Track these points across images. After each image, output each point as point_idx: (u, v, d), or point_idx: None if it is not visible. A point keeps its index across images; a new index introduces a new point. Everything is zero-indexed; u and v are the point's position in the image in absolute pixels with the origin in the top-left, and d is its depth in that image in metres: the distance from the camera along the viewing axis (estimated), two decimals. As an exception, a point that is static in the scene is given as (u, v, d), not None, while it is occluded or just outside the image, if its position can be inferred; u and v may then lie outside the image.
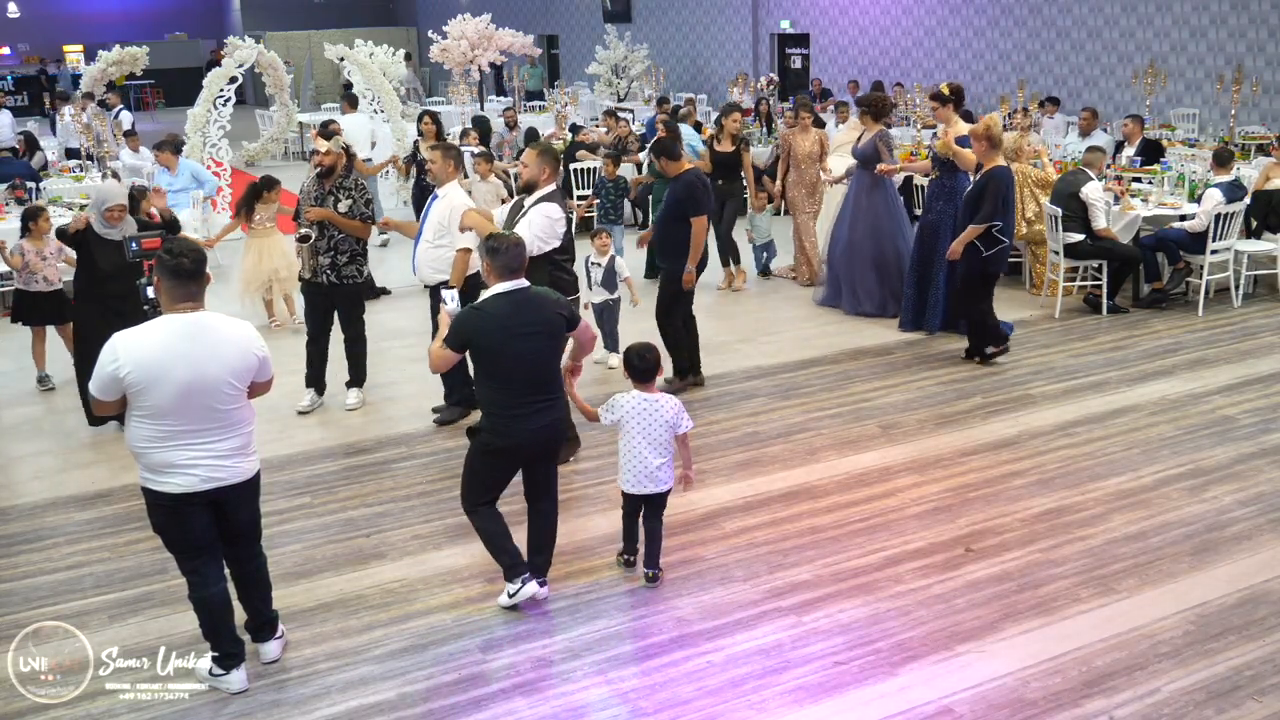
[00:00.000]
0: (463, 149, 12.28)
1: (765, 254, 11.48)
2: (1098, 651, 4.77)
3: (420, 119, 11.43)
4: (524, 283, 5.02)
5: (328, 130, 8.80)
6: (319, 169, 7.54)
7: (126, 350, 4.22)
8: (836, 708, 4.47)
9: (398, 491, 6.58)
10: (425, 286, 7.74)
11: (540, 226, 6.45)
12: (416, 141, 11.33)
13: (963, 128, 8.89)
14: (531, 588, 5.16)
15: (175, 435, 4.28)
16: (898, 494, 6.37)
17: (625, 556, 5.58)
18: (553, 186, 6.65)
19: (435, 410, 7.64)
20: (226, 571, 4.66)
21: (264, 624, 4.81)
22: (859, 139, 9.93)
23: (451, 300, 5.28)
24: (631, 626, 5.05)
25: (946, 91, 9.31)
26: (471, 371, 5.20)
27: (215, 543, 4.54)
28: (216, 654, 4.64)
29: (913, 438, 7.18)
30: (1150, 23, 16.85)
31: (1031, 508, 6.14)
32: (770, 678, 4.65)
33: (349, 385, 7.94)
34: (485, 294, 5.07)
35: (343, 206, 7.45)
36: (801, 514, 6.14)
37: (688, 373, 8.16)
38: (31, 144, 15.33)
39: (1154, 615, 5.04)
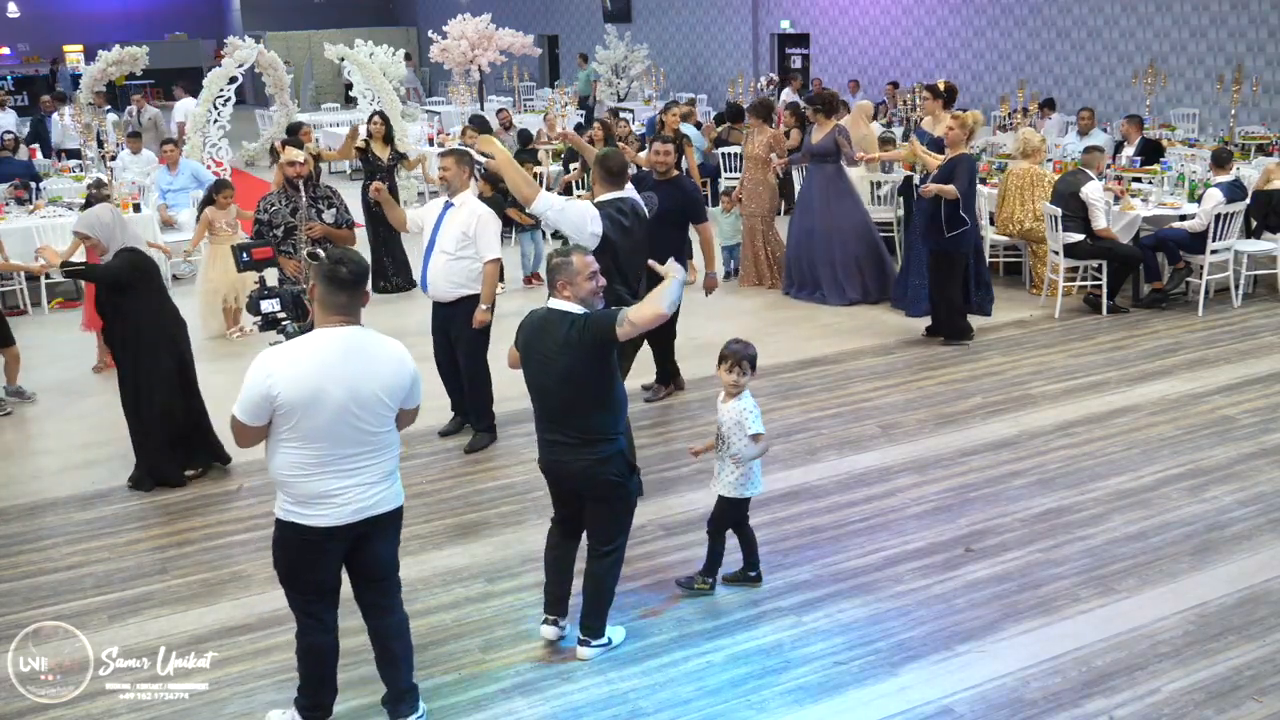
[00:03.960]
0: (462, 148, 12.29)
1: (728, 256, 11.25)
2: (1098, 651, 4.77)
3: (370, 119, 11.30)
4: (564, 305, 4.61)
5: (297, 139, 8.63)
6: (299, 180, 7.38)
7: (280, 368, 3.92)
8: (836, 708, 4.47)
9: (398, 491, 6.57)
10: (437, 303, 7.13)
11: (572, 212, 6.09)
12: (367, 141, 11.14)
13: (944, 125, 9.42)
14: (551, 631, 4.90)
15: (328, 461, 3.98)
16: (898, 494, 6.37)
17: (711, 580, 5.38)
18: (612, 196, 6.30)
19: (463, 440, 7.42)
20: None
21: (403, 695, 4.38)
22: (813, 135, 10.16)
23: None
24: (631, 626, 5.05)
25: (942, 88, 10.16)
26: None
27: (339, 584, 4.26)
28: (304, 703, 4.33)
29: (913, 438, 7.18)
30: (1150, 23, 16.85)
31: (1031, 508, 6.14)
32: (770, 678, 4.66)
33: None
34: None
35: (328, 217, 7.29)
36: (801, 514, 6.14)
37: (669, 379, 8.12)
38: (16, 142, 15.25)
39: (1154, 615, 5.03)
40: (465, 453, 7.15)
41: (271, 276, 5.79)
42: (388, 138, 11.11)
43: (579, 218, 6.06)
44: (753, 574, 5.40)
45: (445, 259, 6.90)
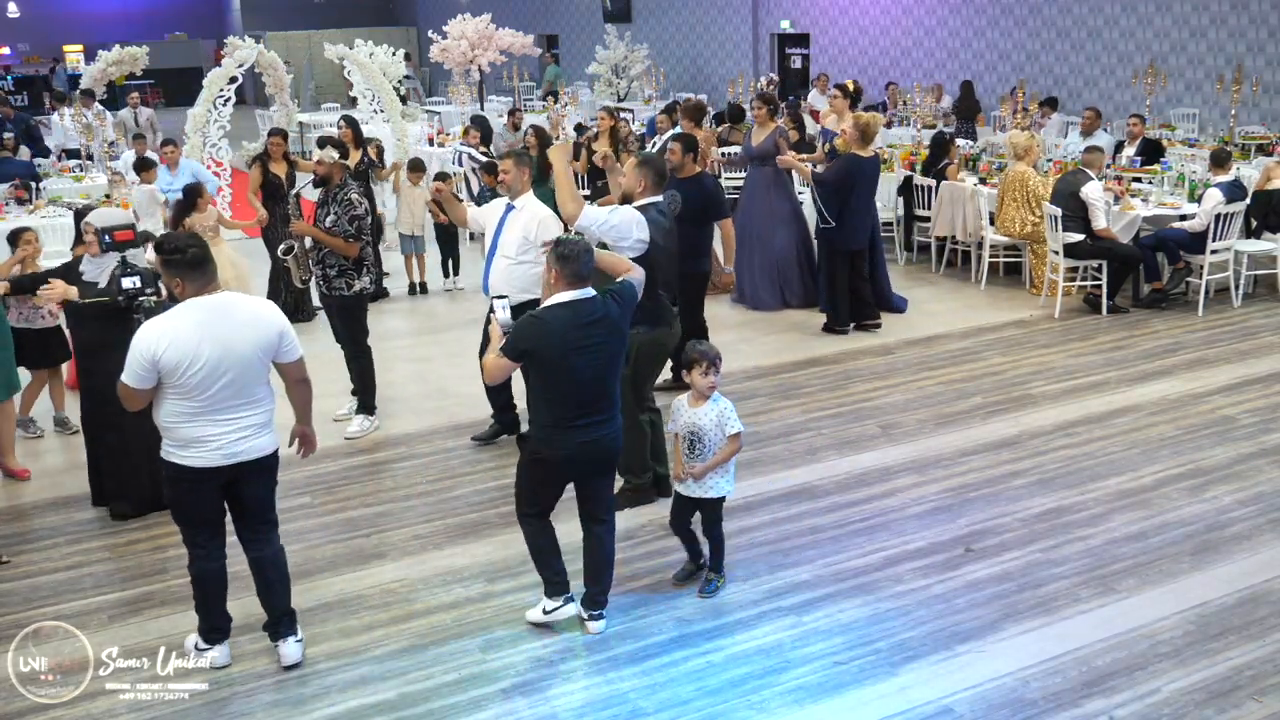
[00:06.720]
0: (461, 147, 12.26)
1: None
2: (1098, 651, 4.77)
3: (337, 124, 11.18)
4: (589, 291, 4.76)
5: (322, 140, 8.66)
6: (314, 180, 7.40)
7: (161, 334, 4.38)
8: (836, 708, 4.47)
9: (398, 491, 6.58)
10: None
11: (616, 220, 6.00)
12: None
13: (849, 121, 9.82)
14: (571, 609, 5.00)
15: (204, 411, 4.46)
16: (898, 494, 6.37)
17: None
18: (653, 199, 6.29)
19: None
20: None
21: (279, 619, 4.81)
22: (753, 137, 10.17)
23: (503, 310, 4.90)
24: (631, 626, 5.05)
25: (851, 88, 10.81)
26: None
27: (222, 519, 4.73)
28: (202, 628, 4.79)
29: (913, 438, 7.17)
30: (1150, 23, 16.85)
31: (1031, 508, 6.14)
32: (770, 678, 4.66)
33: (356, 411, 7.55)
34: (546, 302, 4.79)
35: (328, 220, 7.21)
36: (801, 514, 6.14)
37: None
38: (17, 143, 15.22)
39: (1154, 615, 5.04)
40: (474, 443, 7.22)
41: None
42: (359, 142, 10.95)
43: (626, 226, 6.01)
44: (720, 574, 5.40)
45: (506, 263, 6.70)
